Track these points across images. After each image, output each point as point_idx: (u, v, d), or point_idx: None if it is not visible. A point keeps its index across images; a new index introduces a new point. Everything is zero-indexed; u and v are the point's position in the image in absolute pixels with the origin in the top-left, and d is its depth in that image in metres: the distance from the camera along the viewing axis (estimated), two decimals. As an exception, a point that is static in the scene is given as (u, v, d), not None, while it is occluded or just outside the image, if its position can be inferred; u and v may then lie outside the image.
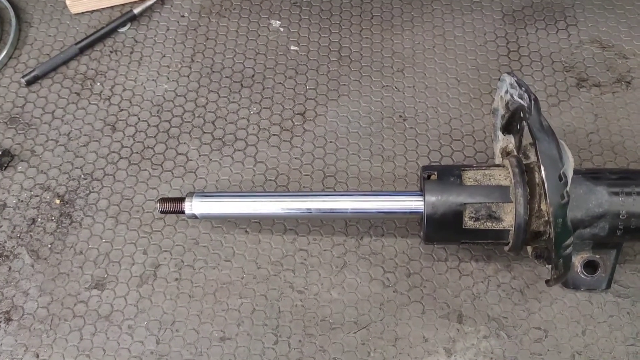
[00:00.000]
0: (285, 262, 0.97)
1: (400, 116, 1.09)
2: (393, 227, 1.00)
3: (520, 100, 0.82)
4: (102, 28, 1.17)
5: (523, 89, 0.79)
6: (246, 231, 1.00)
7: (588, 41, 1.16)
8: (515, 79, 0.82)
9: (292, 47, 1.17)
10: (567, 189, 0.73)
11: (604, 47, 1.15)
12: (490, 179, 0.84)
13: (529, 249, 0.92)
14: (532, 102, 0.77)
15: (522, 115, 0.84)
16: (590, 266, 0.92)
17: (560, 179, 0.73)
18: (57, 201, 1.03)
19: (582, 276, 0.92)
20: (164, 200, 0.93)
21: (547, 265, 0.90)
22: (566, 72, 1.13)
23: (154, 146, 1.07)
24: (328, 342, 0.92)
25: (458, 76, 1.13)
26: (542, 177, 0.73)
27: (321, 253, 0.98)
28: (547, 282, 0.83)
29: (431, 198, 0.83)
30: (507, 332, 0.92)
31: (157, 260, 0.98)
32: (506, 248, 0.87)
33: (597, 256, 0.91)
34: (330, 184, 1.03)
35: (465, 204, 0.83)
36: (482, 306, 0.94)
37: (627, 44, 1.15)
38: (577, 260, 0.91)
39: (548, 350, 0.91)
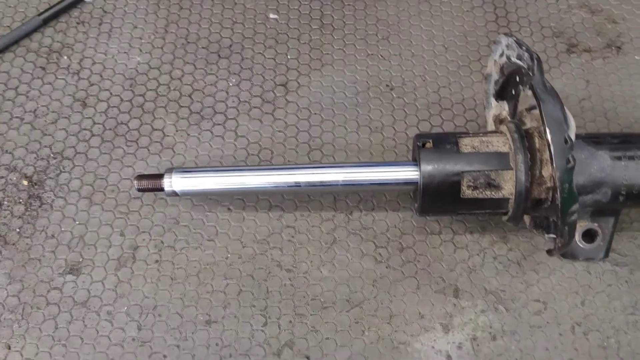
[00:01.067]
0: (271, 240, 0.92)
1: (387, 85, 1.04)
2: (384, 201, 0.95)
3: (518, 61, 0.78)
4: (67, -3, 1.10)
5: (524, 48, 0.75)
6: (229, 209, 0.94)
7: (577, 6, 1.12)
8: (514, 38, 0.78)
9: (271, 16, 1.11)
10: (573, 152, 0.70)
11: (592, 11, 1.11)
12: (488, 146, 0.80)
13: (527, 218, 0.89)
14: (535, 61, 0.72)
15: (518, 78, 0.80)
16: (589, 235, 0.89)
17: (565, 142, 0.69)
18: (25, 182, 0.96)
19: (581, 245, 0.89)
20: (141, 177, 0.87)
21: (545, 235, 0.86)
22: (556, 37, 1.09)
23: (128, 122, 1.01)
24: (320, 321, 0.87)
25: (445, 43, 1.08)
26: (547, 141, 0.69)
27: (309, 229, 0.93)
28: (548, 251, 0.80)
29: (427, 167, 0.79)
30: (506, 306, 0.89)
31: (135, 241, 0.92)
32: (505, 218, 0.83)
33: (596, 224, 0.88)
34: (317, 157, 0.98)
35: (463, 172, 0.79)
36: (479, 280, 0.90)
37: (616, 9, 1.12)
38: (576, 230, 0.88)
39: (547, 322, 0.88)
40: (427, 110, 1.02)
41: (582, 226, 0.88)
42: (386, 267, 0.91)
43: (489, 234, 0.93)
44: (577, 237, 0.88)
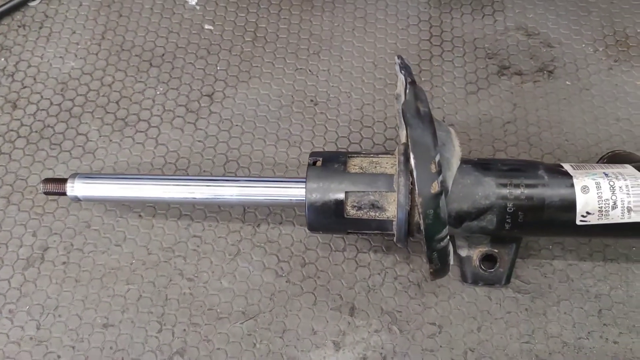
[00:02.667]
0: (177, 248, 0.94)
1: (312, 100, 1.05)
2: (292, 215, 0.96)
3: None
4: (11, 1, 1.13)
5: (403, 72, 0.75)
6: (140, 215, 0.96)
7: (514, 28, 1.11)
8: (400, 61, 0.78)
9: (207, 26, 1.12)
10: (441, 178, 0.70)
11: (529, 34, 1.11)
12: (376, 167, 0.80)
13: (425, 241, 0.89)
14: (408, 85, 0.73)
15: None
16: (490, 260, 0.88)
17: (432, 168, 0.69)
18: (-52, 179, 0.99)
19: (481, 270, 0.88)
20: (47, 180, 0.89)
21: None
22: (488, 59, 1.09)
23: (55, 125, 1.03)
24: (213, 331, 0.88)
25: (375, 60, 1.09)
26: (410, 167, 0.69)
27: (215, 240, 0.94)
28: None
29: (312, 185, 0.80)
30: (400, 327, 0.89)
31: (46, 242, 0.95)
32: (394, 239, 0.83)
33: (496, 250, 0.87)
34: (232, 168, 1.00)
35: (347, 192, 0.79)
36: (377, 299, 0.90)
37: (553, 33, 1.11)
38: (476, 254, 0.88)
39: (441, 346, 0.87)
40: (347, 127, 1.03)
41: (481, 251, 0.88)
42: (286, 282, 0.92)
43: (392, 254, 0.93)
44: (477, 262, 0.88)
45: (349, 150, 1.01)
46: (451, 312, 0.90)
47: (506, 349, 0.87)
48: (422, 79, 1.06)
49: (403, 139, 0.94)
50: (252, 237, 0.94)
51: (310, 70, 1.08)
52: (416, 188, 0.69)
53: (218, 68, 1.08)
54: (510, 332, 0.88)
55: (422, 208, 0.69)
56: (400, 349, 0.87)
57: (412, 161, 0.69)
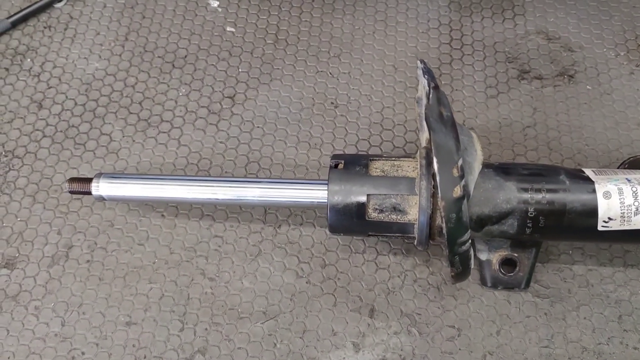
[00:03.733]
0: (199, 248, 0.95)
1: (332, 103, 1.06)
2: (313, 217, 0.97)
3: (428, 88, 0.78)
4: (37, 2, 1.14)
5: (426, 76, 0.76)
6: (162, 215, 0.97)
7: (534, 32, 1.12)
8: (423, 65, 0.79)
9: (228, 29, 1.13)
10: (463, 182, 0.70)
11: (550, 38, 1.11)
12: (397, 170, 0.81)
13: (445, 244, 0.89)
14: (431, 90, 0.73)
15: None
16: (509, 264, 0.89)
17: (455, 172, 0.70)
18: (-25, 178, 1.01)
19: (501, 274, 0.89)
20: (73, 180, 0.91)
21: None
22: (509, 63, 1.09)
23: (79, 125, 1.05)
24: (234, 331, 0.89)
25: (396, 64, 1.09)
26: (434, 170, 0.70)
27: (236, 240, 0.95)
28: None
29: (334, 187, 0.80)
30: (419, 329, 0.89)
31: (70, 241, 0.96)
32: (415, 242, 0.84)
33: (515, 254, 0.88)
34: (254, 169, 1.01)
35: (369, 195, 0.80)
36: (396, 301, 0.91)
37: (574, 37, 1.11)
38: (495, 258, 0.89)
39: (460, 349, 0.88)
40: (368, 129, 1.03)
41: (501, 255, 0.88)
42: (306, 283, 0.92)
43: (412, 257, 0.94)
44: (497, 266, 0.89)
45: (369, 152, 1.01)
46: (470, 316, 0.90)
47: (525, 353, 0.87)
48: (443, 82, 1.06)
49: (424, 142, 0.94)
50: (273, 238, 0.95)
51: (330, 73, 1.08)
52: (439, 192, 0.70)
53: (240, 70, 1.09)
54: (529, 336, 0.88)
55: (444, 212, 0.70)
56: (420, 352, 0.88)
57: (435, 165, 0.70)
